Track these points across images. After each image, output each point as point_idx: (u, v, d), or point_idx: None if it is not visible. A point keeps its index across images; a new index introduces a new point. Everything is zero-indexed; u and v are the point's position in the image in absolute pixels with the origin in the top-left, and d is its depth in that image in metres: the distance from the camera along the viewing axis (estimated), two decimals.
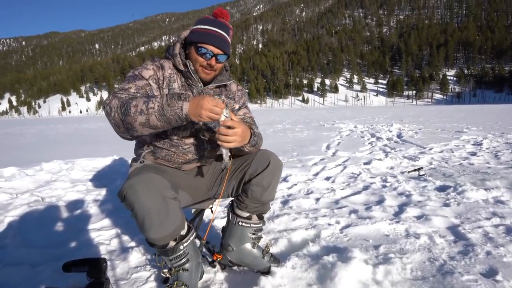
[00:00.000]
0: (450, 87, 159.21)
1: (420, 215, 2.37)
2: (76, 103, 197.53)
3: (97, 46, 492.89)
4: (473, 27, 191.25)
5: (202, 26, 1.50)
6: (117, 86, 1.48)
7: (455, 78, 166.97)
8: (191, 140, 1.57)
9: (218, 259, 1.73)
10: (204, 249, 1.84)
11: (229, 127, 1.33)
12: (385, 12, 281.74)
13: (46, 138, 12.41)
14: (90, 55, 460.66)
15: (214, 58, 1.49)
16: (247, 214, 1.67)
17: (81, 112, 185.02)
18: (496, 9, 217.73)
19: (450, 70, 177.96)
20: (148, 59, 1.60)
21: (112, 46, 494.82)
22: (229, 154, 1.42)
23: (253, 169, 1.57)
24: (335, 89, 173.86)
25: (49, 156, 5.55)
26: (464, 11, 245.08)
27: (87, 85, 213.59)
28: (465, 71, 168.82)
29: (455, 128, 9.41)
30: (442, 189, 3.03)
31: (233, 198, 1.73)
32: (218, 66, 1.54)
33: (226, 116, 1.31)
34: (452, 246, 1.87)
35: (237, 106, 1.71)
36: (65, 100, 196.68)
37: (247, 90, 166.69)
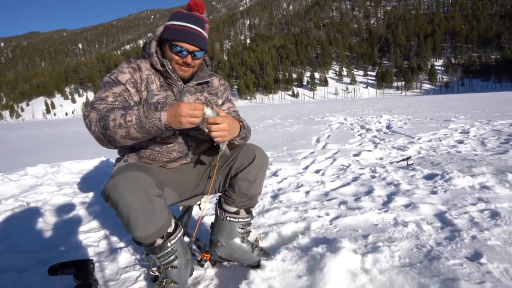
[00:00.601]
0: (438, 77, 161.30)
1: (408, 203, 2.40)
2: (61, 105, 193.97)
3: (80, 45, 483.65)
4: (459, 16, 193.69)
5: (175, 23, 1.44)
6: (94, 96, 1.43)
7: (443, 68, 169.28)
8: (175, 139, 1.54)
9: (206, 258, 1.72)
10: (194, 247, 1.83)
11: (215, 123, 1.31)
12: (372, 4, 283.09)
13: (31, 142, 12.19)
14: (73, 55, 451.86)
15: (190, 55, 1.46)
16: (235, 209, 1.66)
17: (66, 114, 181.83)
18: None
19: (438, 60, 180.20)
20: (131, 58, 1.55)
21: (96, 46, 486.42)
22: (225, 143, 1.42)
23: (239, 163, 1.56)
24: (324, 83, 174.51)
25: (34, 160, 5.45)
26: (450, 1, 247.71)
27: (72, 86, 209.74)
28: (453, 61, 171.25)
29: (443, 117, 9.54)
30: (430, 177, 3.07)
31: (220, 194, 1.72)
32: (196, 63, 1.51)
33: (209, 114, 1.29)
34: (439, 233, 1.90)
35: (220, 101, 1.68)
36: (49, 102, 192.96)
37: (235, 86, 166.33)
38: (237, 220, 1.67)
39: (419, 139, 5.54)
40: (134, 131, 1.25)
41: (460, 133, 5.93)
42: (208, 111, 1.29)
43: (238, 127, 1.50)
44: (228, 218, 1.66)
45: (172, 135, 1.53)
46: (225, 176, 1.61)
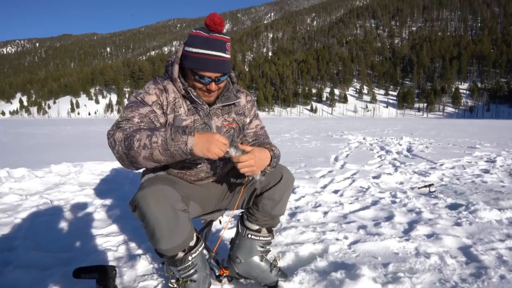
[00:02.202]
0: (462, 101, 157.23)
1: (430, 233, 2.33)
2: (85, 105, 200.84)
3: (108, 49, 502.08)
4: (488, 40, 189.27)
5: (195, 50, 1.37)
6: (120, 115, 1.41)
7: (468, 92, 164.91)
8: (204, 160, 1.55)
9: (225, 274, 1.72)
10: (212, 261, 1.83)
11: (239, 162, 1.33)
12: (397, 24, 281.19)
13: (55, 139, 12.62)
14: (101, 58, 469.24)
15: (213, 83, 1.42)
16: (256, 227, 1.66)
17: (89, 114, 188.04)
18: (511, 23, 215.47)
19: (463, 83, 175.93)
20: (151, 80, 1.51)
21: (123, 50, 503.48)
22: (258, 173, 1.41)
23: (265, 182, 1.56)
24: (344, 99, 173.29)
25: (58, 158, 5.64)
26: (479, 24, 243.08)
27: (97, 88, 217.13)
28: (479, 85, 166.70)
29: (467, 144, 9.26)
30: (453, 207, 2.97)
31: (243, 210, 1.73)
32: (220, 86, 1.47)
33: (233, 154, 1.31)
34: (463, 268, 1.83)
35: (248, 120, 1.67)
36: (74, 101, 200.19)
37: (255, 98, 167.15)
38: (258, 238, 1.66)
39: (441, 165, 5.39)
40: (158, 153, 1.23)
41: (486, 161, 5.73)
42: (232, 152, 1.30)
43: (268, 157, 1.46)
44: (249, 236, 1.66)
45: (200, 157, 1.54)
46: (250, 194, 1.61)
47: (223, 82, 1.46)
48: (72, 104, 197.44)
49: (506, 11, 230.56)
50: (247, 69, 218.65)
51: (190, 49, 1.38)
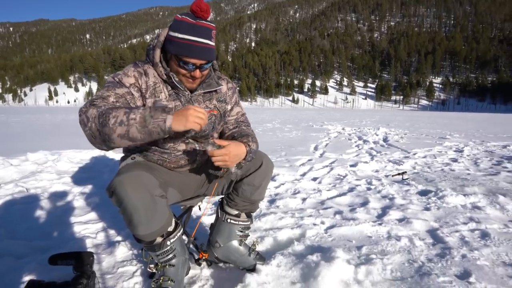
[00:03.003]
0: (436, 94, 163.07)
1: (402, 218, 2.45)
2: (64, 93, 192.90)
3: (88, 36, 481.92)
4: (460, 37, 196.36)
5: (180, 36, 1.34)
6: (95, 94, 1.37)
7: (441, 86, 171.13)
8: (183, 147, 1.55)
9: (204, 258, 1.75)
10: (191, 246, 1.87)
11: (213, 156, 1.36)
12: (377, 18, 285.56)
13: (32, 128, 12.11)
14: (80, 45, 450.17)
15: (197, 70, 1.40)
16: (236, 212, 1.70)
17: (68, 102, 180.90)
18: (482, 22, 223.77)
19: (436, 77, 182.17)
20: (131, 63, 1.48)
21: (104, 37, 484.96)
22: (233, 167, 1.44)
23: (245, 169, 1.59)
24: (325, 91, 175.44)
25: (35, 146, 5.44)
26: (452, 22, 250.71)
27: (76, 75, 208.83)
28: (451, 79, 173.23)
29: (438, 134, 9.66)
30: (423, 193, 3.13)
31: (223, 196, 1.76)
32: (204, 73, 1.46)
33: (209, 149, 1.35)
34: (430, 249, 1.95)
35: (229, 107, 1.67)
36: (52, 89, 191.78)
37: (237, 88, 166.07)
38: (237, 222, 1.70)
39: (414, 154, 5.62)
40: (135, 130, 1.19)
41: (455, 151, 6.02)
42: (209, 147, 1.34)
43: (244, 152, 1.46)
44: (228, 220, 1.70)
45: (180, 143, 1.53)
46: (230, 180, 1.64)
47: (206, 70, 1.45)
48: (50, 91, 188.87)
49: (477, 10, 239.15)
50: (230, 59, 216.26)
51: (176, 34, 1.35)
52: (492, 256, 1.84)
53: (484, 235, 2.12)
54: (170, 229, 1.48)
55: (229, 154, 1.36)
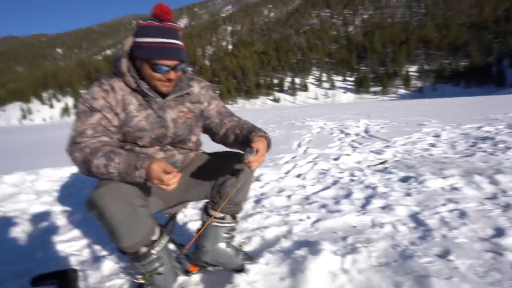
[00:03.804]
0: (412, 83, 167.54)
1: (384, 205, 2.52)
2: (38, 111, 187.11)
3: (59, 50, 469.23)
4: (431, 25, 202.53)
5: (149, 40, 1.35)
6: (72, 127, 1.40)
7: (417, 74, 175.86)
8: (162, 155, 1.55)
9: (194, 272, 1.76)
10: (183, 256, 1.85)
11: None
12: (350, 12, 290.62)
13: (6, 149, 11.70)
14: (52, 60, 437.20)
15: (172, 71, 1.40)
16: (221, 215, 1.71)
17: (44, 120, 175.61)
18: (451, 9, 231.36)
19: (412, 66, 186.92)
20: (96, 82, 1.47)
21: (76, 50, 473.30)
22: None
23: (228, 171, 1.61)
24: (305, 88, 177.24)
25: (11, 168, 5.26)
26: (423, 10, 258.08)
27: (50, 92, 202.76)
28: (426, 67, 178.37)
29: (417, 122, 9.92)
30: (404, 180, 3.22)
31: (207, 200, 1.76)
32: (178, 76, 1.46)
33: (251, 158, 1.33)
34: (413, 232, 2.01)
35: (205, 104, 1.66)
36: (25, 108, 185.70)
37: (218, 91, 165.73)
38: (222, 225, 1.71)
39: (394, 142, 5.76)
40: (117, 179, 1.32)
41: (433, 136, 6.20)
42: (251, 156, 1.32)
43: (266, 145, 1.46)
44: (214, 223, 1.70)
45: (158, 150, 1.54)
46: (213, 184, 1.65)
47: (179, 72, 1.45)
48: (23, 110, 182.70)
49: None
50: (208, 64, 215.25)
51: (144, 39, 1.35)
52: (469, 233, 1.92)
53: (462, 214, 2.20)
54: (155, 237, 1.48)
55: (264, 155, 1.38)
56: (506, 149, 4.31)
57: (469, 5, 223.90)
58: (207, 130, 1.70)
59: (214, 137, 1.68)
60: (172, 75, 1.40)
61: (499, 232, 1.90)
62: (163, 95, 1.49)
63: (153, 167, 1.25)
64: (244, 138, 1.50)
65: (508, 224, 1.98)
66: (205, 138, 1.77)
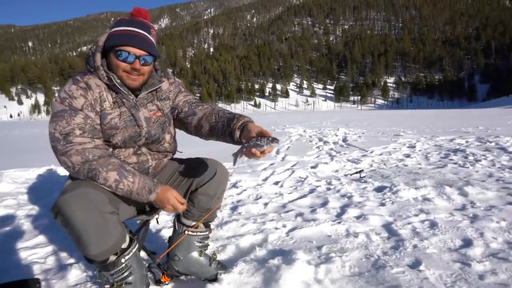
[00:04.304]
0: (390, 93, 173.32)
1: (359, 215, 2.55)
2: (5, 106, 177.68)
3: (30, 43, 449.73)
4: (408, 39, 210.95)
5: (119, 29, 1.36)
6: (54, 127, 1.31)
7: (394, 85, 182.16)
8: (135, 159, 1.51)
9: (166, 283, 1.70)
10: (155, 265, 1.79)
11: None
12: (332, 22, 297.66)
13: None
14: (22, 53, 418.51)
15: (137, 60, 1.36)
16: (193, 223, 1.67)
17: (11, 116, 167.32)
18: (426, 24, 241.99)
19: (389, 77, 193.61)
20: (69, 79, 1.41)
21: (49, 45, 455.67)
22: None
23: (200, 178, 1.57)
24: (286, 94, 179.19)
25: None
26: (400, 25, 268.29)
27: (19, 87, 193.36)
28: (403, 79, 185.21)
29: (393, 132, 10.23)
30: (379, 189, 3.28)
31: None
32: (146, 69, 1.41)
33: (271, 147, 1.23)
34: (385, 242, 2.05)
35: (172, 98, 1.60)
36: None
37: (198, 94, 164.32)
38: (195, 234, 1.67)
39: (371, 152, 5.89)
40: (119, 192, 1.34)
41: (408, 147, 6.41)
42: (271, 146, 1.22)
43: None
44: (186, 232, 1.66)
45: (132, 154, 1.50)
46: (186, 191, 1.61)
47: (148, 66, 1.41)
48: None
49: (421, 14, 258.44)
50: (188, 66, 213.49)
51: (114, 29, 1.37)
52: (439, 244, 1.97)
53: (433, 224, 2.26)
54: (124, 245, 1.42)
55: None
56: (475, 162, 4.51)
57: (443, 22, 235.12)
58: (179, 122, 1.62)
59: (187, 128, 1.60)
60: (137, 64, 1.36)
61: (467, 242, 1.96)
62: (135, 90, 1.45)
63: (169, 196, 1.38)
64: (227, 127, 1.40)
65: (475, 235, 2.06)
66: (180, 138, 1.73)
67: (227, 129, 1.40)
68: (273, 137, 1.24)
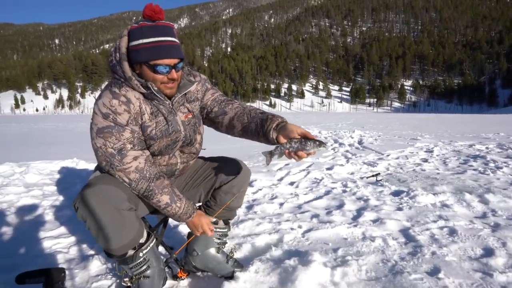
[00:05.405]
0: (407, 96, 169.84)
1: (376, 218, 2.53)
2: (31, 101, 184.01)
3: (57, 41, 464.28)
4: (427, 42, 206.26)
5: (145, 40, 1.28)
6: (104, 143, 1.31)
7: (411, 88, 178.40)
8: (165, 161, 1.53)
9: (182, 277, 1.74)
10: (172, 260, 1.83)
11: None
12: (349, 23, 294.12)
13: None
14: (49, 50, 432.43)
15: (173, 70, 1.33)
16: (214, 219, 1.70)
17: (37, 110, 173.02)
18: (447, 27, 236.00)
19: (407, 80, 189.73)
20: (106, 92, 1.36)
21: (74, 42, 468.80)
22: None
23: (224, 177, 1.62)
24: (301, 95, 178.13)
25: (1, 158, 5.17)
26: (420, 27, 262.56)
27: (45, 82, 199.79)
28: (420, 82, 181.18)
29: (410, 136, 10.04)
30: (396, 194, 3.24)
31: (200, 204, 1.76)
32: (179, 75, 1.40)
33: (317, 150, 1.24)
34: (403, 248, 2.02)
35: (200, 97, 1.57)
36: (19, 97, 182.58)
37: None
38: (214, 230, 1.70)
39: (388, 155, 5.81)
40: (162, 211, 1.45)
41: (425, 152, 6.28)
42: (317, 149, 1.23)
43: None
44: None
45: (165, 156, 1.52)
46: (208, 188, 1.65)
47: (180, 71, 1.39)
48: (16, 99, 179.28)
49: (442, 17, 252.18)
50: (206, 65, 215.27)
51: (140, 41, 1.28)
52: (459, 252, 1.93)
53: (452, 232, 2.22)
54: (142, 240, 1.46)
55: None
56: (497, 169, 4.38)
57: (464, 24, 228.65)
58: (209, 121, 1.60)
59: (218, 127, 1.58)
60: (174, 74, 1.34)
61: (489, 252, 1.92)
62: (171, 96, 1.43)
63: (202, 222, 1.50)
64: (260, 128, 1.38)
65: (497, 245, 2.01)
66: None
67: (261, 130, 1.37)
68: (320, 140, 1.22)
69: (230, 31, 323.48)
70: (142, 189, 1.36)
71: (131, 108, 1.35)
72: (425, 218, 2.50)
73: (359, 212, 2.68)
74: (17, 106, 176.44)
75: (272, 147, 1.33)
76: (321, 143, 1.20)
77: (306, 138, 1.24)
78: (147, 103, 1.40)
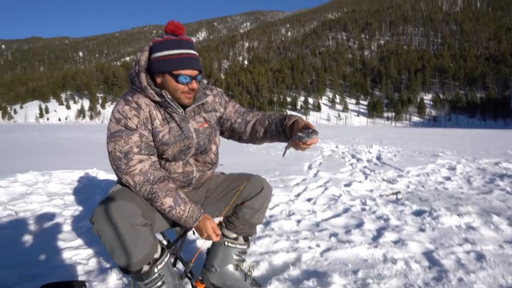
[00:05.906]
0: (427, 111, 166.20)
1: (397, 239, 2.45)
2: (55, 110, 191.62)
3: (81, 54, 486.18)
4: (448, 55, 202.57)
5: (171, 52, 1.40)
6: (114, 146, 1.39)
7: (431, 102, 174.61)
8: (181, 169, 1.56)
9: None
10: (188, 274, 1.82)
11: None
12: (367, 37, 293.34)
13: (22, 146, 11.95)
14: (73, 63, 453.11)
15: (194, 81, 1.44)
16: (234, 235, 1.71)
17: (59, 120, 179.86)
18: (468, 40, 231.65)
19: (426, 94, 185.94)
20: (120, 100, 1.46)
21: (97, 55, 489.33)
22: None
23: (247, 193, 1.64)
24: (318, 108, 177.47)
25: (25, 166, 5.36)
26: (440, 40, 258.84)
27: (68, 93, 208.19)
28: (441, 96, 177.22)
29: (431, 152, 9.77)
30: (418, 213, 3.13)
31: (220, 219, 1.75)
32: (198, 86, 1.49)
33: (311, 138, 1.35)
34: (426, 272, 1.94)
35: (221, 110, 1.67)
36: (43, 107, 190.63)
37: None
38: (234, 246, 1.70)
39: (408, 172, 5.65)
40: (167, 215, 1.45)
41: (447, 169, 6.07)
42: (311, 138, 1.35)
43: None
44: (226, 243, 1.69)
45: (179, 164, 1.55)
46: (230, 204, 1.65)
47: (199, 81, 1.49)
48: (40, 109, 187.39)
49: (463, 29, 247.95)
50: (223, 77, 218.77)
51: (164, 52, 1.40)
52: (488, 279, 1.83)
53: (480, 257, 2.11)
54: (157, 255, 1.46)
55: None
56: None
57: (487, 37, 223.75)
58: (232, 132, 1.69)
59: (241, 137, 1.68)
60: (194, 84, 1.44)
61: None
62: (183, 107, 1.51)
63: (207, 225, 1.46)
64: (280, 126, 1.52)
65: None
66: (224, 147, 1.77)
67: (281, 128, 1.51)
68: (312, 129, 1.34)
69: (247, 45, 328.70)
70: (146, 192, 1.39)
71: (140, 113, 1.43)
72: (450, 241, 2.40)
73: (379, 232, 2.60)
74: (41, 115, 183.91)
75: None
76: (313, 132, 1.34)
77: (306, 129, 1.37)
78: (158, 109, 1.48)
